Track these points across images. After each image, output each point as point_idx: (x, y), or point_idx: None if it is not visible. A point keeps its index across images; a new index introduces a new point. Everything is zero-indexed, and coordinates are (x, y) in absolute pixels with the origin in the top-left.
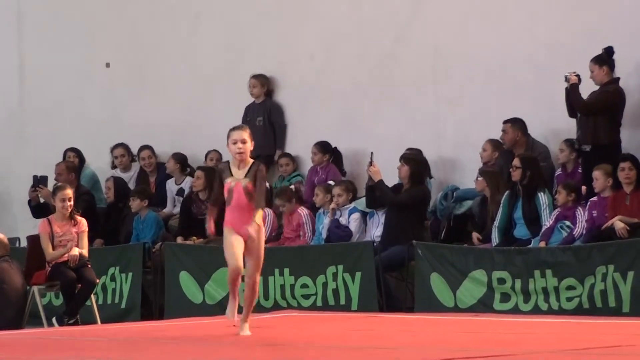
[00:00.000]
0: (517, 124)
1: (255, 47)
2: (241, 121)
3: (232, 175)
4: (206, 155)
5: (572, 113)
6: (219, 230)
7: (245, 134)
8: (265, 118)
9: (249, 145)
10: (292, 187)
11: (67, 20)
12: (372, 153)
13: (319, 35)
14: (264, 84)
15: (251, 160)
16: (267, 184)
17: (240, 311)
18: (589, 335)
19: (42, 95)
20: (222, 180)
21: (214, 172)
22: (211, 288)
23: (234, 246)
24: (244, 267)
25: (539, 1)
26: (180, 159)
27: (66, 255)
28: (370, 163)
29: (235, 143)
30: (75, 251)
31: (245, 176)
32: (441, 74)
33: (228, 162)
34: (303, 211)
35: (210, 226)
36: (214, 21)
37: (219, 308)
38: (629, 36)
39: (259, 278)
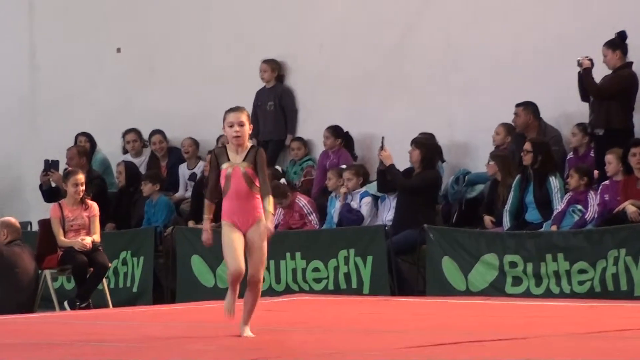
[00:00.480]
0: (529, 108)
1: (266, 34)
2: (252, 106)
3: (229, 160)
4: (217, 140)
5: (584, 97)
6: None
7: (243, 116)
8: (276, 103)
9: (247, 129)
10: (283, 181)
11: (77, 7)
12: (383, 137)
13: (330, 22)
14: (275, 69)
15: (249, 144)
16: (280, 168)
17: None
18: (601, 319)
19: (54, 81)
20: (218, 165)
21: None
22: (222, 272)
23: (234, 247)
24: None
25: None
26: (196, 142)
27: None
28: (382, 147)
29: (231, 126)
30: (87, 240)
31: (244, 161)
32: (452, 61)
33: (224, 146)
34: (301, 201)
35: (207, 236)
36: (225, 8)
37: None
38: None
39: (262, 277)
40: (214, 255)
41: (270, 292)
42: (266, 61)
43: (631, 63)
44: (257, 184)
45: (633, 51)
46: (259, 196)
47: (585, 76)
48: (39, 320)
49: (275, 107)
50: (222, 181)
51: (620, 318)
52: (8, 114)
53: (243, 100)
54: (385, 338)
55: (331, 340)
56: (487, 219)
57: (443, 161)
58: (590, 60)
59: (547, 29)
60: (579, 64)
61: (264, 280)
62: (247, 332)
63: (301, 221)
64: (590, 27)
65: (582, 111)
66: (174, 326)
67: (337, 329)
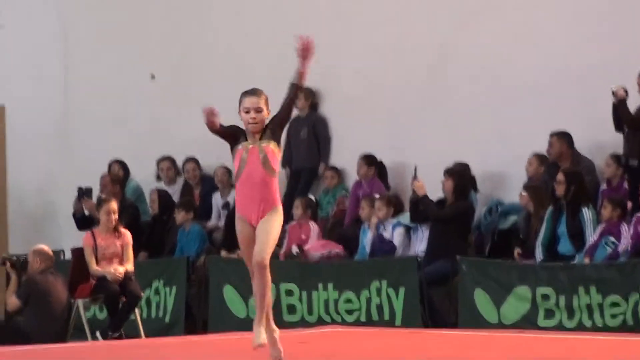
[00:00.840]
0: (563, 137)
1: None
2: (285, 134)
3: (246, 140)
4: None
5: (619, 127)
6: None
7: (262, 101)
8: (310, 131)
9: (265, 114)
10: (311, 197)
11: (112, 32)
12: (415, 167)
13: (364, 50)
14: (309, 97)
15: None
16: (313, 197)
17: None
18: (634, 353)
19: (87, 107)
20: (236, 134)
21: None
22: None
23: (245, 250)
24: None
25: (584, 19)
26: (229, 171)
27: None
28: (415, 177)
29: (248, 112)
30: (120, 270)
31: (261, 139)
32: (487, 90)
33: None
34: (313, 226)
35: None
36: (262, 36)
37: None
38: None
39: (268, 261)
40: (247, 285)
41: (302, 323)
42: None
43: None
44: (275, 168)
45: None
46: (276, 181)
47: (619, 106)
48: (71, 350)
49: (309, 135)
50: (236, 163)
51: None
52: (41, 140)
53: None
54: None
55: None
56: (516, 251)
57: (476, 191)
58: (625, 90)
59: (580, 59)
60: (614, 94)
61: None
62: (262, 337)
63: (300, 241)
64: (625, 57)
65: (616, 142)
66: (206, 357)
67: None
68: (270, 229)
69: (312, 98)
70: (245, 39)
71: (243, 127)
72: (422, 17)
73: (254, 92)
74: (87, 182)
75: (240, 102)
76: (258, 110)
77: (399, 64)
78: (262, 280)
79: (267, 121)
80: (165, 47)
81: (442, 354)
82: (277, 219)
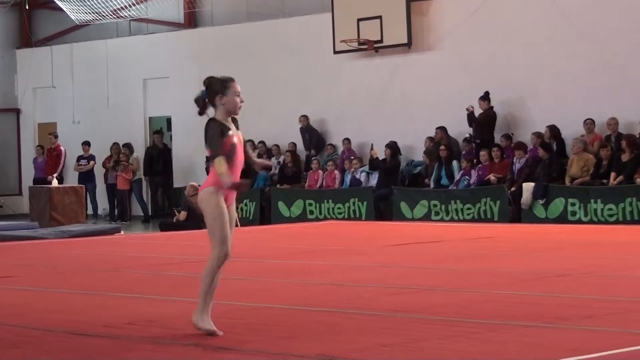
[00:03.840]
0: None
1: None
2: None
3: (229, 129)
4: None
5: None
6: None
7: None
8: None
9: None
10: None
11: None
12: (372, 144)
13: None
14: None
15: (210, 115)
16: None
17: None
18: (483, 231)
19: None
20: (223, 133)
21: None
22: None
23: (227, 226)
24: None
25: None
26: None
27: None
28: (372, 148)
29: (238, 96)
30: None
31: (237, 127)
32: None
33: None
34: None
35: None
36: None
37: None
38: None
39: (211, 253)
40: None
41: (313, 218)
42: None
43: None
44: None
45: None
46: None
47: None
48: None
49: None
50: (226, 147)
51: None
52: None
53: None
54: None
55: None
56: (425, 182)
57: (400, 154)
58: None
59: None
60: None
61: None
62: (208, 323)
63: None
64: None
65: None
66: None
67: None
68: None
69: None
70: None
71: (219, 118)
72: None
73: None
74: None
75: (229, 86)
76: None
77: None
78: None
79: None
80: None
81: (386, 234)
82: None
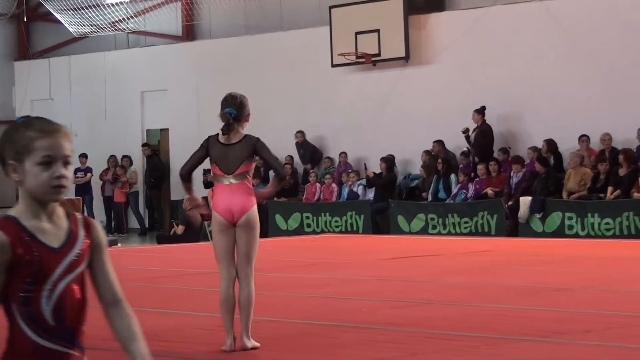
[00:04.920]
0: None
1: None
2: None
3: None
4: None
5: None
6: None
7: None
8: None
9: None
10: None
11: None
12: (365, 163)
13: None
14: None
15: (243, 133)
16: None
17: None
18: (477, 245)
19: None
20: (207, 148)
21: None
22: None
23: (223, 260)
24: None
25: None
26: None
27: None
28: (366, 168)
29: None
30: None
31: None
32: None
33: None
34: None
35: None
36: None
37: None
38: None
39: (252, 273)
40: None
41: (310, 231)
42: None
43: None
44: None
45: None
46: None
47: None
48: None
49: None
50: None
51: None
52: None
53: None
54: None
55: None
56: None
57: (396, 167)
58: None
59: None
60: None
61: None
62: (249, 344)
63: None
64: None
65: None
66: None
67: None
68: (253, 245)
69: None
70: None
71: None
72: None
73: None
74: None
75: (246, 104)
76: None
77: None
78: (249, 291)
79: None
80: None
81: (383, 247)
82: (256, 224)
